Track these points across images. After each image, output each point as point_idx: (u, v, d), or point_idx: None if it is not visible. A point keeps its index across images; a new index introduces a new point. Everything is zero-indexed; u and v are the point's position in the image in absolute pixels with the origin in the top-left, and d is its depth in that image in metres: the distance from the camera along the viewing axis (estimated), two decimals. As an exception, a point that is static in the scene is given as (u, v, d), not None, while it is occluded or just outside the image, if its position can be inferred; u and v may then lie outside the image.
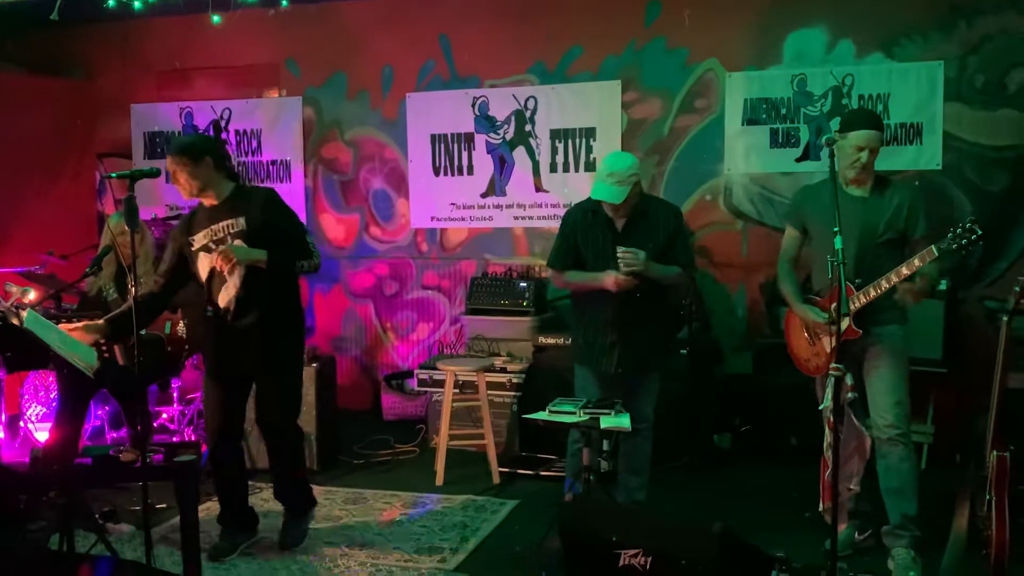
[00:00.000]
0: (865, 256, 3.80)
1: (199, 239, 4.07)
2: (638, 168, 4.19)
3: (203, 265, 4.07)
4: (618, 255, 4.10)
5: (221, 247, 3.95)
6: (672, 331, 4.52)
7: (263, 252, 3.96)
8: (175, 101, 7.25)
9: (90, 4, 6.05)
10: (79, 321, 4.12)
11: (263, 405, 4.26)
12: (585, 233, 4.29)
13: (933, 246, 3.57)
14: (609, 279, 4.13)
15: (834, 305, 3.82)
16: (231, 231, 4.01)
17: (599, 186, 4.14)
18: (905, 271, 3.63)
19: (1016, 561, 3.57)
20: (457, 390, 5.46)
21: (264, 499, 4.98)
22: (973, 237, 3.48)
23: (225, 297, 4.06)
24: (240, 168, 7.12)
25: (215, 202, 4.08)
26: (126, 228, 3.56)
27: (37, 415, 5.80)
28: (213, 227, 4.04)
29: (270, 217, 4.04)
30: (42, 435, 5.64)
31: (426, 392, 5.97)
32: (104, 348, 4.18)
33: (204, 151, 4.02)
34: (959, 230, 3.51)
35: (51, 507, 4.18)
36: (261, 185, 4.42)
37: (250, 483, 5.22)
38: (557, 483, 4.96)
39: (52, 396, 5.74)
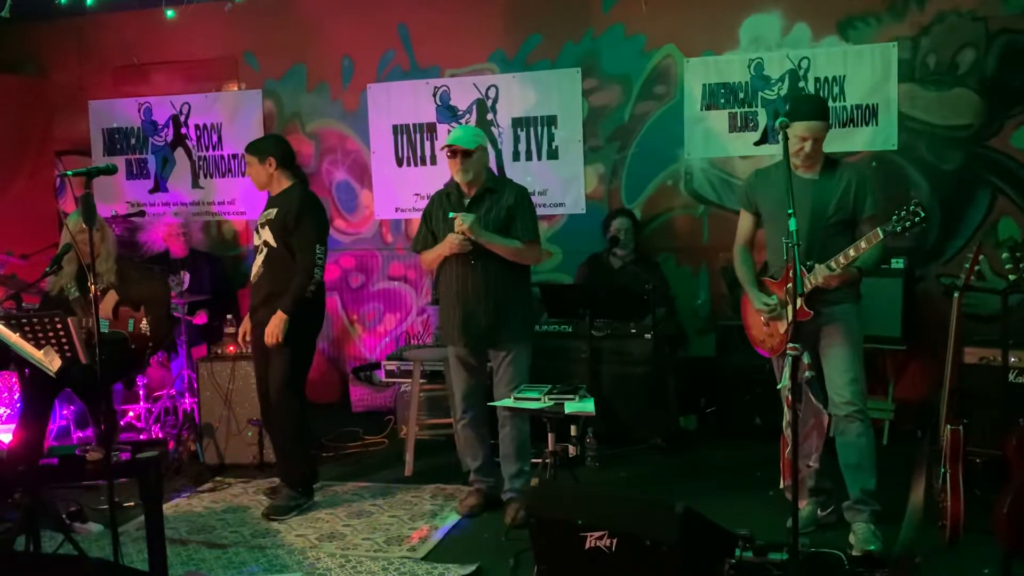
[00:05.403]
0: (816, 237, 3.84)
1: (259, 218, 4.77)
2: (484, 140, 4.55)
3: (256, 238, 4.76)
4: (451, 218, 4.36)
5: (246, 325, 4.80)
6: (528, 311, 4.58)
7: (282, 317, 4.50)
8: (133, 96, 7.18)
9: (43, 0, 5.97)
10: (38, 320, 4.11)
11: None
12: (438, 213, 4.55)
13: (879, 228, 3.62)
14: (446, 242, 4.39)
15: (787, 286, 3.90)
16: (268, 219, 4.65)
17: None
18: (852, 253, 3.68)
19: (970, 531, 3.67)
20: (425, 380, 5.48)
21: (234, 493, 5.00)
22: (917, 219, 3.53)
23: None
24: (200, 162, 7.09)
25: (273, 194, 4.75)
26: (85, 226, 3.55)
27: (0, 417, 5.74)
28: (265, 212, 4.72)
29: (293, 213, 4.58)
30: (6, 436, 5.58)
31: (394, 383, 5.97)
32: (66, 348, 4.16)
33: (269, 153, 4.68)
34: (903, 212, 3.56)
35: (16, 508, 4.16)
36: (308, 189, 4.90)
37: (219, 479, 5.26)
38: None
39: (15, 397, 5.69)
